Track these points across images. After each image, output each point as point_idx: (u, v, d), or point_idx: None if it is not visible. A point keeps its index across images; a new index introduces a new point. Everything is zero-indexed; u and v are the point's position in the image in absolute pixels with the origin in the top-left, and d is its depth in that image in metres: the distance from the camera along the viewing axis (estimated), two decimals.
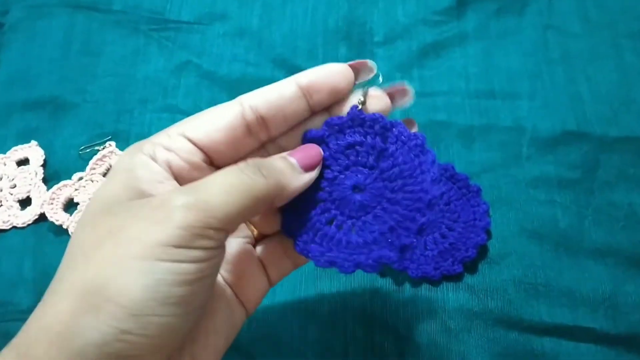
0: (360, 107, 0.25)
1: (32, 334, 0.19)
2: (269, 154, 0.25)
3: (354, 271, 0.24)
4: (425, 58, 0.48)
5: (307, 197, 0.25)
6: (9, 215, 0.44)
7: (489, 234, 0.40)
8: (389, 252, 0.24)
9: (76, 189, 0.44)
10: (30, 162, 0.45)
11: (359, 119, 0.25)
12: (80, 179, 0.44)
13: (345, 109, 0.25)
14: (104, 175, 0.45)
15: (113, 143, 0.46)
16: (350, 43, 0.49)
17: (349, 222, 0.25)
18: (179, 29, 0.51)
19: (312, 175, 0.24)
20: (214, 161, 0.24)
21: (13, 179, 0.45)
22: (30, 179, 0.45)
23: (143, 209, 0.20)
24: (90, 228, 0.21)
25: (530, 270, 0.39)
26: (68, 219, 0.43)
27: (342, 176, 0.25)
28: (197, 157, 0.23)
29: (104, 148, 0.45)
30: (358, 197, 0.25)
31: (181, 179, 0.23)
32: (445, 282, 0.40)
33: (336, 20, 0.50)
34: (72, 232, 0.42)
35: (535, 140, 0.44)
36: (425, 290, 0.40)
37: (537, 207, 0.41)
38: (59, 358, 0.18)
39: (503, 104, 0.46)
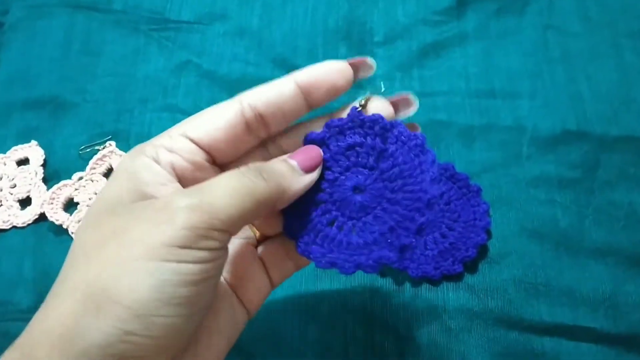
0: (360, 109, 0.25)
1: (35, 335, 0.19)
2: (271, 156, 0.25)
3: (354, 272, 0.24)
4: (425, 58, 0.48)
5: (308, 199, 0.25)
6: (9, 215, 0.44)
7: (489, 233, 0.40)
8: (389, 253, 0.24)
9: (76, 189, 0.44)
10: (30, 161, 0.45)
11: (359, 120, 0.25)
12: (80, 178, 0.44)
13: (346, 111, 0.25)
14: (104, 174, 0.45)
15: (113, 143, 0.46)
16: (350, 43, 0.49)
17: (350, 223, 0.25)
18: (179, 28, 0.51)
19: (313, 176, 0.24)
20: (216, 160, 0.24)
21: (13, 179, 0.45)
22: (30, 179, 0.45)
23: (146, 211, 0.21)
24: (93, 230, 0.21)
25: (530, 269, 0.39)
26: (68, 218, 0.43)
27: (343, 177, 0.25)
28: (200, 156, 0.24)
29: (104, 148, 0.45)
30: (358, 197, 0.25)
31: (185, 180, 0.24)
32: (445, 282, 0.40)
33: (336, 20, 0.50)
34: (72, 232, 0.42)
35: (535, 139, 0.44)
36: (425, 290, 0.40)
37: (538, 207, 0.41)
38: None
39: (503, 104, 0.46)
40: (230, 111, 0.24)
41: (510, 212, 0.41)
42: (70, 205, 0.44)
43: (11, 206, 0.44)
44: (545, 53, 0.47)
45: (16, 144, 0.46)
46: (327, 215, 0.25)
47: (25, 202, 0.45)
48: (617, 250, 0.40)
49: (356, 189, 0.25)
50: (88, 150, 0.46)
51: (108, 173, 0.45)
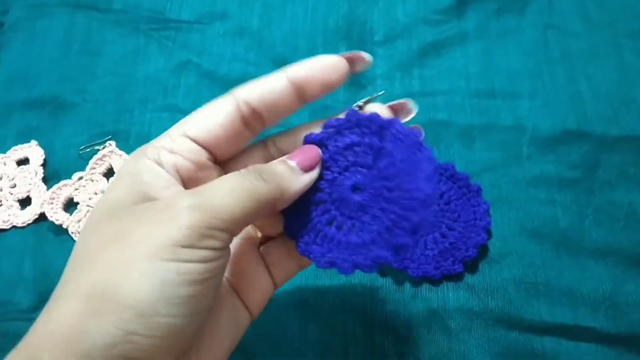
0: (357, 109, 0.25)
1: (38, 337, 0.19)
2: (271, 157, 0.26)
3: (353, 272, 0.24)
4: (425, 57, 0.48)
5: (308, 199, 0.25)
6: (9, 215, 0.44)
7: (489, 233, 0.40)
8: (386, 252, 0.24)
9: (76, 189, 0.44)
10: (30, 161, 0.45)
11: (356, 119, 0.25)
12: (80, 178, 0.44)
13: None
14: (104, 174, 0.45)
15: (113, 142, 0.46)
16: (350, 42, 0.49)
17: (349, 222, 0.25)
18: (179, 28, 0.51)
19: (312, 176, 0.24)
20: (217, 158, 0.24)
21: (13, 179, 0.45)
22: (30, 179, 0.45)
23: (148, 212, 0.21)
24: (95, 233, 0.21)
25: (530, 269, 0.39)
26: (68, 218, 0.43)
27: (342, 177, 0.25)
28: (201, 155, 0.24)
29: (104, 147, 0.45)
30: (357, 197, 0.25)
31: (188, 180, 0.24)
32: (445, 282, 0.40)
33: (336, 19, 0.50)
34: (72, 232, 0.42)
35: (535, 139, 0.44)
36: (425, 290, 0.40)
37: (538, 207, 0.41)
38: None
39: (503, 104, 0.46)
40: (226, 107, 0.24)
41: (511, 211, 0.41)
42: (70, 205, 0.44)
43: (11, 206, 0.44)
44: (546, 53, 0.47)
45: (16, 144, 0.46)
46: (326, 215, 0.25)
47: (25, 202, 0.45)
48: (617, 250, 0.39)
49: (355, 188, 0.25)
50: (88, 150, 0.46)
51: (108, 173, 0.45)
